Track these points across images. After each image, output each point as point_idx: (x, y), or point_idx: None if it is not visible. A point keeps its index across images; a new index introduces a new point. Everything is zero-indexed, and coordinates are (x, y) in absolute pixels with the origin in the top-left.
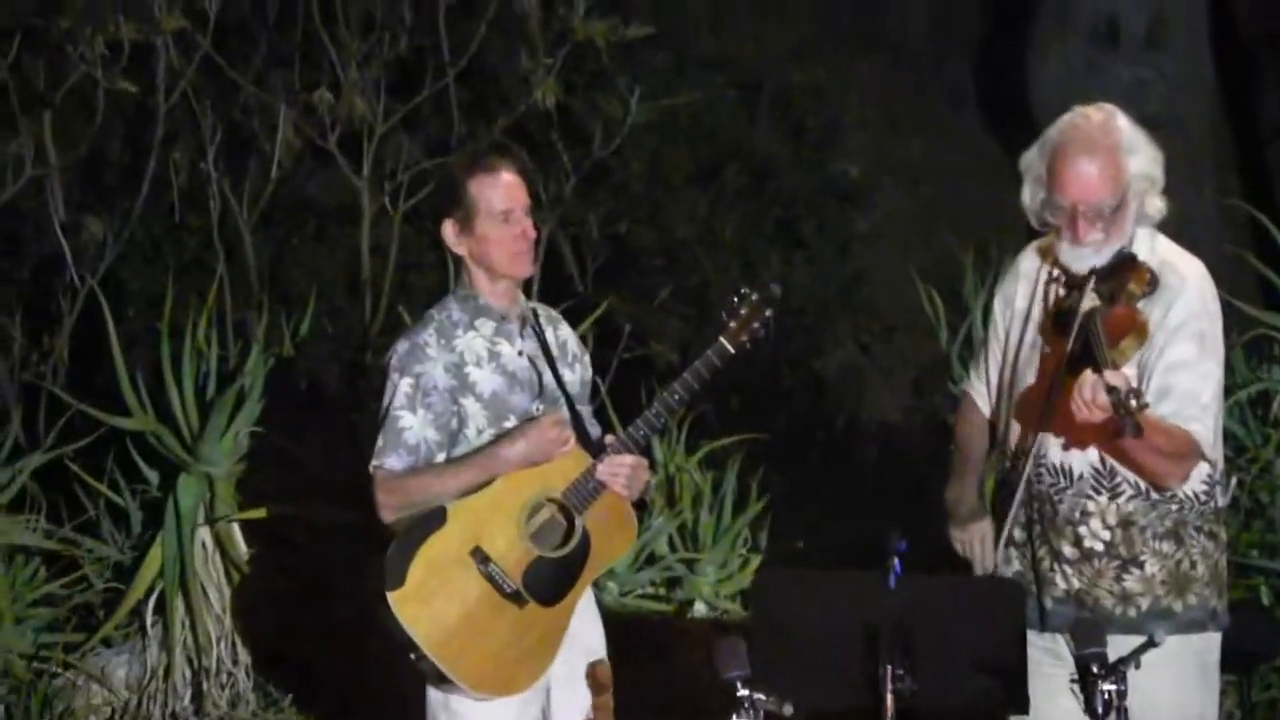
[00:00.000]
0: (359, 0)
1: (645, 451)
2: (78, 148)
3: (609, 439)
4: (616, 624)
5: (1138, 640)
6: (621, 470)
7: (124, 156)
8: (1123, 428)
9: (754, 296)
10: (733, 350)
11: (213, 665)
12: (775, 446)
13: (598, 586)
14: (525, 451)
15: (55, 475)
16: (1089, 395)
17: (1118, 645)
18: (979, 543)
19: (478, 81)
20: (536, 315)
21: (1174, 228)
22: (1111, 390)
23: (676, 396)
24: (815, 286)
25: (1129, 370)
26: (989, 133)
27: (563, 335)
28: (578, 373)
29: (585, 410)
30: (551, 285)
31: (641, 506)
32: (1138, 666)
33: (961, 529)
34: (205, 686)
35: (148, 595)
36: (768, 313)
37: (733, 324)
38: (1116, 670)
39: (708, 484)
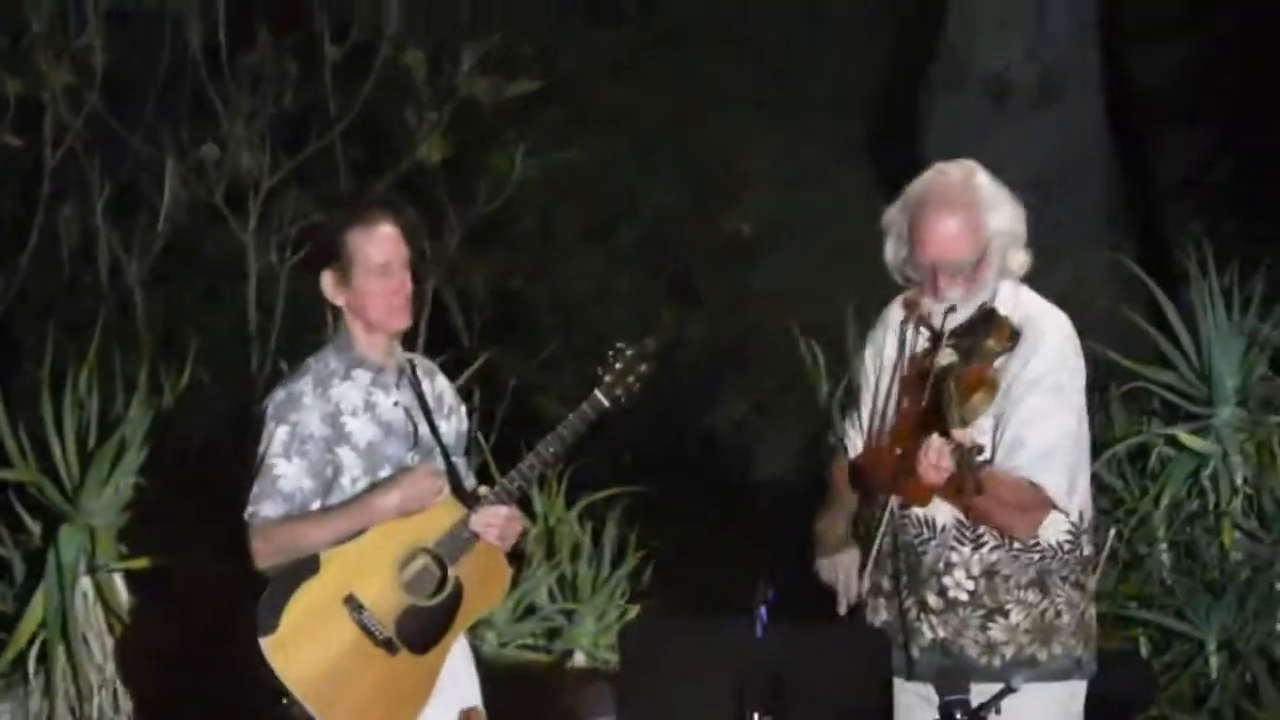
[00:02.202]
0: (246, 56)
1: (521, 503)
2: None
3: (484, 490)
4: (495, 674)
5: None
6: (495, 521)
7: (13, 211)
8: (964, 486)
9: (629, 351)
10: (607, 403)
11: (94, 713)
12: (661, 501)
13: (477, 637)
14: (400, 501)
15: None
16: (934, 459)
17: (983, 694)
18: (844, 572)
19: (365, 137)
20: (413, 366)
21: (1065, 285)
22: (955, 449)
23: (551, 449)
24: (709, 342)
25: (985, 422)
26: (882, 189)
27: (439, 386)
28: (454, 424)
29: (460, 461)
30: (438, 339)
31: (520, 557)
32: (998, 712)
33: (827, 558)
34: None
35: (30, 644)
36: (643, 367)
37: (608, 378)
38: (978, 716)
39: (587, 536)
